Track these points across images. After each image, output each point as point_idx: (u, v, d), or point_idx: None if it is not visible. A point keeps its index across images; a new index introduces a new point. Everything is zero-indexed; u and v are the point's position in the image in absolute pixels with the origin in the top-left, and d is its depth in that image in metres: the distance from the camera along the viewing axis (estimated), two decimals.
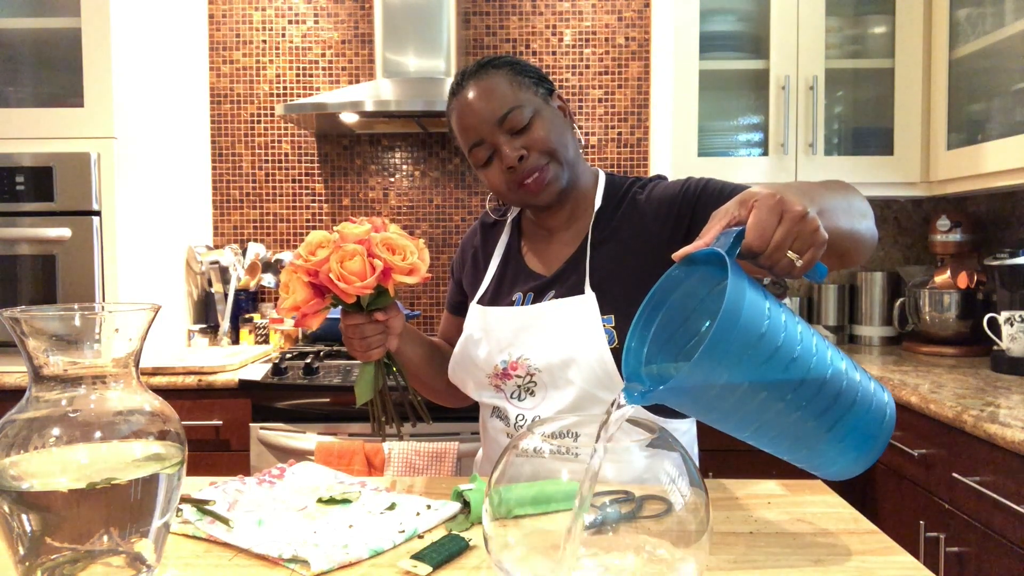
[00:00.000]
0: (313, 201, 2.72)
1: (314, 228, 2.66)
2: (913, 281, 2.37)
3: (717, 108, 2.44)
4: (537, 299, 1.17)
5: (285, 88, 2.70)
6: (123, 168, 2.10)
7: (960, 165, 2.10)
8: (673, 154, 2.31)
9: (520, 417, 1.14)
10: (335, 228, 1.06)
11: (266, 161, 2.71)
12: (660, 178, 1.22)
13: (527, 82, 1.13)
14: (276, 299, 2.67)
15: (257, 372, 2.04)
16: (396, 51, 2.40)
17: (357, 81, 2.69)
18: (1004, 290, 2.01)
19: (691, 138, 2.31)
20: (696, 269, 0.76)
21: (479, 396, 1.22)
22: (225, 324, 2.47)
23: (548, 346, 1.11)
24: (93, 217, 2.04)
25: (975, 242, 2.28)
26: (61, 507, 0.67)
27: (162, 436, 0.73)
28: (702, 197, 1.11)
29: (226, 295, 2.49)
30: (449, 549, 0.83)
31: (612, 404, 0.71)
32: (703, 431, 1.26)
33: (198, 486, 1.04)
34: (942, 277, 2.28)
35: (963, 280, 2.21)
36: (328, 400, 2.00)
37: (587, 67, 2.67)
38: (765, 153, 2.33)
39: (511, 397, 1.16)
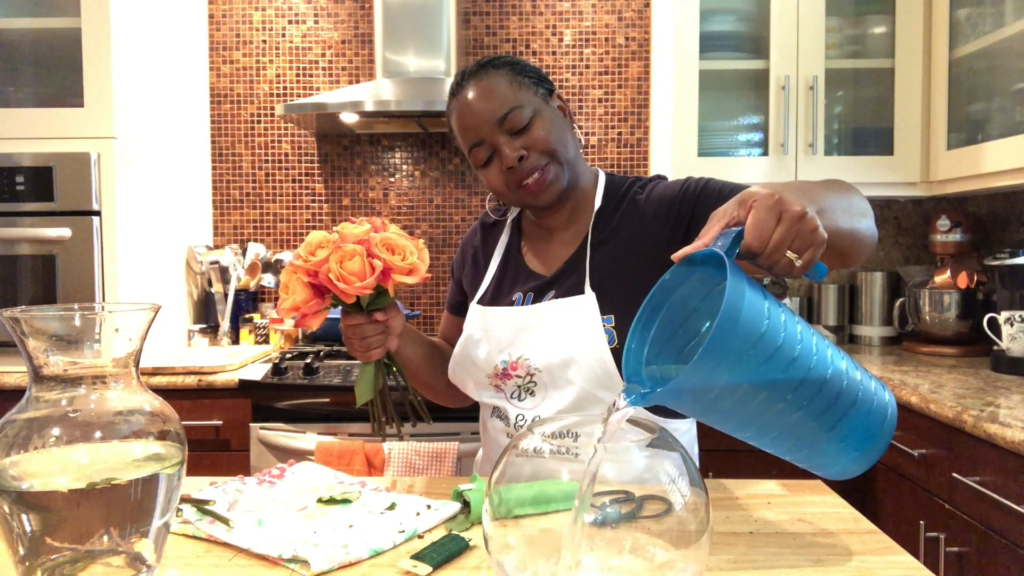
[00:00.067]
0: (313, 201, 2.72)
1: (314, 228, 2.66)
2: (913, 281, 2.37)
3: (717, 108, 2.44)
4: (537, 299, 1.17)
5: (285, 88, 2.70)
6: (123, 168, 2.10)
7: (960, 165, 2.10)
8: (673, 154, 2.31)
9: (520, 417, 1.14)
10: (335, 228, 1.06)
11: (266, 161, 2.71)
12: (660, 178, 1.22)
13: (527, 82, 1.13)
14: (276, 299, 2.67)
15: (257, 372, 2.04)
16: (396, 51, 2.40)
17: (357, 81, 2.69)
18: (1004, 290, 2.01)
19: (691, 138, 2.31)
20: (695, 270, 0.76)
21: (479, 396, 1.22)
22: (225, 324, 2.47)
23: (548, 346, 1.11)
24: (93, 217, 2.04)
25: (975, 242, 2.28)
26: (61, 507, 0.67)
27: (162, 436, 0.73)
28: (702, 197, 1.11)
29: (226, 295, 2.49)
30: (449, 549, 0.83)
31: (612, 405, 0.71)
32: (703, 431, 1.26)
33: (198, 486, 1.04)
34: (942, 277, 2.28)
35: (963, 280, 2.21)
36: (328, 400, 2.00)
37: (587, 67, 2.67)
38: (765, 153, 2.33)
39: (511, 397, 1.16)
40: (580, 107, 2.68)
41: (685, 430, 1.18)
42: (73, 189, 2.03)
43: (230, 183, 2.72)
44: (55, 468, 0.68)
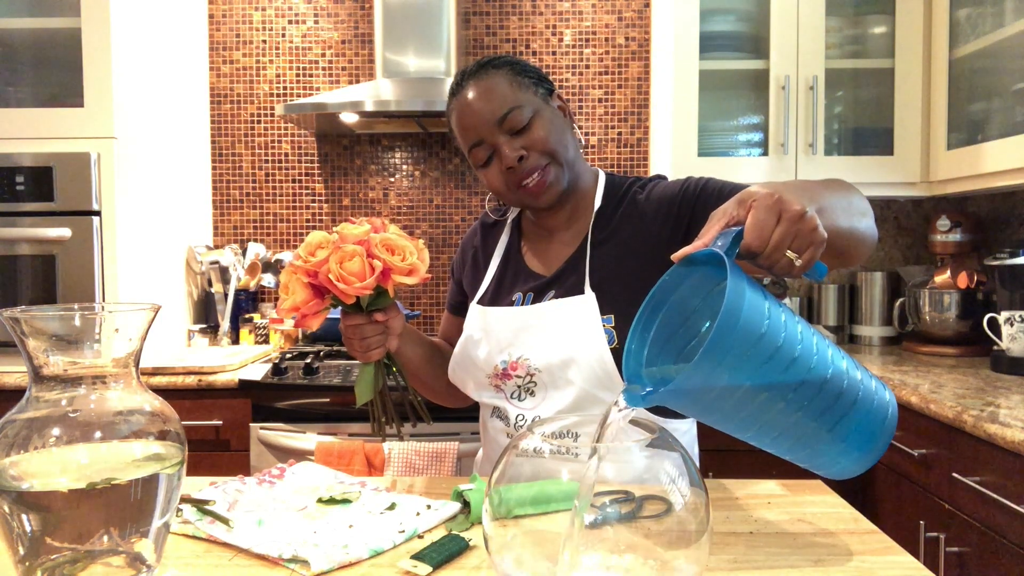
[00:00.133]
0: (313, 201, 2.72)
1: (314, 228, 2.66)
2: (913, 281, 2.37)
3: (717, 108, 2.44)
4: (537, 299, 1.17)
5: (285, 88, 2.70)
6: (123, 168, 2.10)
7: (960, 165, 2.10)
8: (673, 154, 2.31)
9: (520, 417, 1.14)
10: (334, 229, 1.06)
11: (266, 161, 2.71)
12: (660, 178, 1.22)
13: (527, 82, 1.13)
14: (276, 299, 2.67)
15: (257, 372, 2.04)
16: (396, 51, 2.40)
17: (357, 81, 2.69)
18: (1004, 290, 2.01)
19: (691, 138, 2.31)
20: (695, 270, 0.76)
21: (479, 396, 1.22)
22: (225, 324, 2.47)
23: (548, 346, 1.11)
24: (93, 217, 2.04)
25: (975, 242, 2.28)
26: (61, 507, 0.67)
27: (162, 436, 0.73)
28: (701, 197, 1.11)
29: (226, 295, 2.49)
30: (449, 549, 0.83)
31: (612, 406, 0.71)
32: (703, 431, 1.26)
33: (198, 486, 1.04)
34: (942, 277, 2.28)
35: (963, 280, 2.21)
36: (328, 400, 2.00)
37: (587, 67, 2.67)
38: (765, 153, 2.33)
39: (511, 397, 1.16)
40: (580, 107, 2.68)
41: (685, 430, 1.18)
42: (73, 189, 2.03)
43: (230, 183, 2.72)
44: (55, 468, 0.68)
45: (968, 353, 2.20)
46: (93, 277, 2.04)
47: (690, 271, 0.76)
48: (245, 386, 2.00)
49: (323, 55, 2.69)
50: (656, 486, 0.69)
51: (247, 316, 2.50)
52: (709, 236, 0.74)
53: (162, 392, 1.95)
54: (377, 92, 2.29)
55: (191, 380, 2.00)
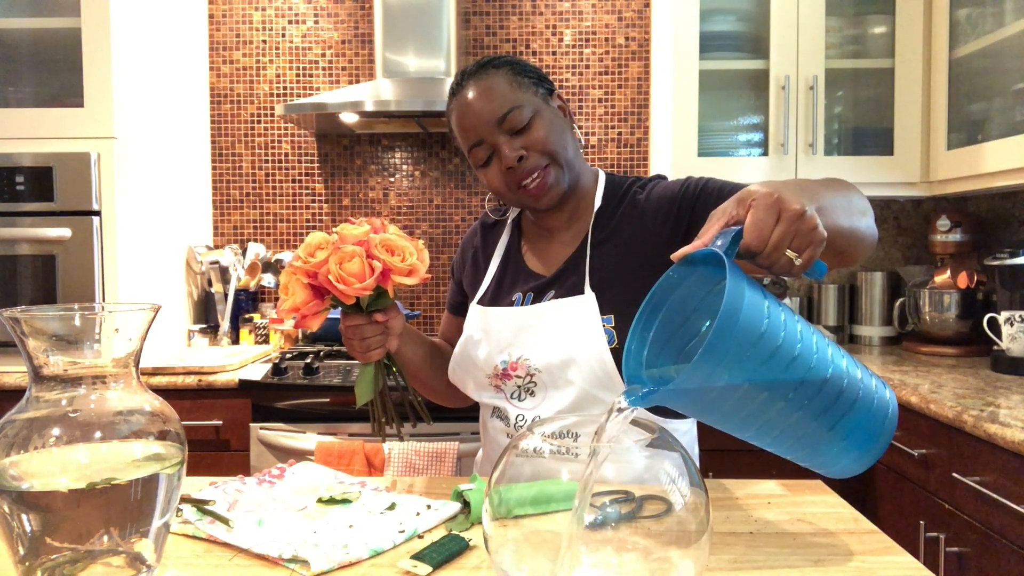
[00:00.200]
0: (313, 201, 2.72)
1: (314, 228, 2.66)
2: (913, 281, 2.37)
3: (717, 108, 2.44)
4: (537, 299, 1.17)
5: (285, 88, 2.70)
6: (123, 168, 2.10)
7: (960, 165, 2.10)
8: (673, 154, 2.31)
9: (520, 417, 1.14)
10: (334, 229, 1.06)
11: (266, 161, 2.71)
12: (660, 178, 1.22)
13: (527, 82, 1.13)
14: (276, 299, 2.67)
15: (257, 372, 2.04)
16: (396, 51, 2.40)
17: (357, 81, 2.69)
18: (1004, 290, 2.01)
19: (691, 138, 2.31)
20: (695, 269, 0.76)
21: (479, 396, 1.22)
22: (225, 324, 2.47)
23: (548, 346, 1.11)
24: (93, 217, 2.04)
25: (975, 242, 2.28)
26: (61, 507, 0.67)
27: (162, 436, 0.73)
28: (701, 196, 1.11)
29: (226, 295, 2.49)
30: (449, 549, 0.83)
31: (613, 406, 0.71)
32: (703, 431, 1.26)
33: (198, 486, 1.04)
34: (942, 277, 2.28)
35: (963, 280, 2.21)
36: (328, 400, 2.00)
37: (587, 67, 2.67)
38: (765, 153, 2.33)
39: (511, 397, 1.16)
40: (580, 107, 2.68)
41: (685, 430, 1.18)
42: (73, 189, 2.03)
43: (230, 183, 2.72)
44: (55, 468, 0.68)
45: (968, 353, 2.20)
46: (93, 277, 2.04)
47: (690, 271, 0.76)
48: (245, 386, 2.00)
49: (323, 55, 2.69)
50: (656, 486, 0.69)
51: (247, 316, 2.50)
52: (708, 236, 0.74)
53: (162, 392, 1.95)
54: (377, 92, 2.29)
55: (191, 380, 2.00)
